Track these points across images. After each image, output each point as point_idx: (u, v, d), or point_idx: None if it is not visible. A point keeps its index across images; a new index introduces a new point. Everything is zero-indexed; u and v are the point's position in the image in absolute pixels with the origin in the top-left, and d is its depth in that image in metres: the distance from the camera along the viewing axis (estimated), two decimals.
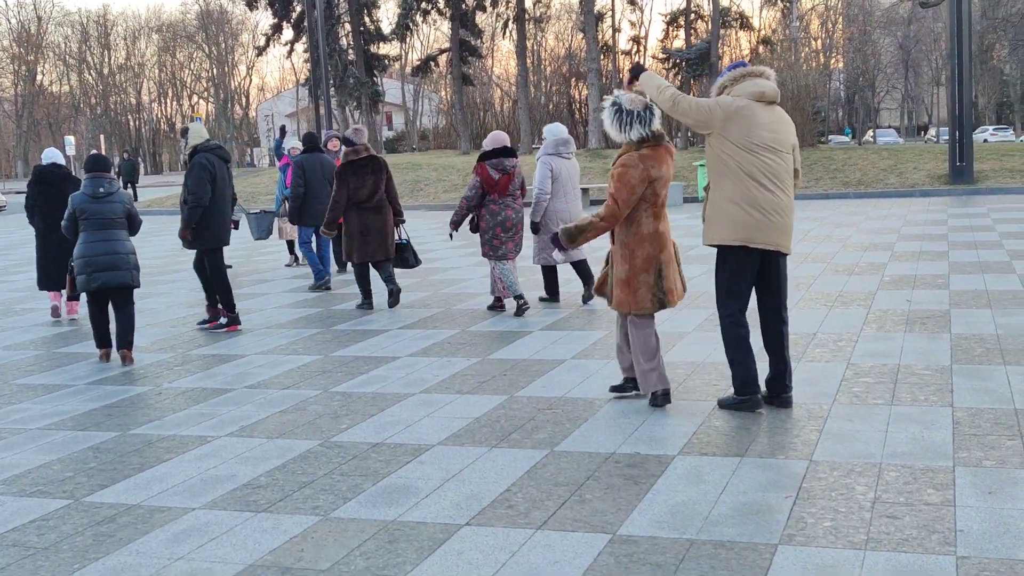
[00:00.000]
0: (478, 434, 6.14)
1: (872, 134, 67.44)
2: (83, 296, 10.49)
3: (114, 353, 9.10)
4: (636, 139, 6.36)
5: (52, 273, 11.13)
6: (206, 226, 9.85)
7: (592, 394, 6.97)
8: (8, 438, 6.57)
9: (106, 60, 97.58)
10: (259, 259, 16.68)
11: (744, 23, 36.23)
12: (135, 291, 10.91)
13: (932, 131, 73.16)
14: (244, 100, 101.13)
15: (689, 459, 5.47)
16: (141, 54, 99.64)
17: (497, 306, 10.60)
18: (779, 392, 6.42)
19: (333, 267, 14.36)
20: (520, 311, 10.21)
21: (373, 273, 13.72)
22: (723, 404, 6.47)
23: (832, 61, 73.32)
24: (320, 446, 6.06)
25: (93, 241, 8.71)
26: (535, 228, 10.40)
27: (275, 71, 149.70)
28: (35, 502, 5.31)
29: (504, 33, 39.43)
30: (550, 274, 10.95)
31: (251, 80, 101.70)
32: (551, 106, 56.71)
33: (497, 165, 10.02)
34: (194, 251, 10.34)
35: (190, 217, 9.73)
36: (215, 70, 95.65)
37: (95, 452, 6.17)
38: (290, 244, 15.61)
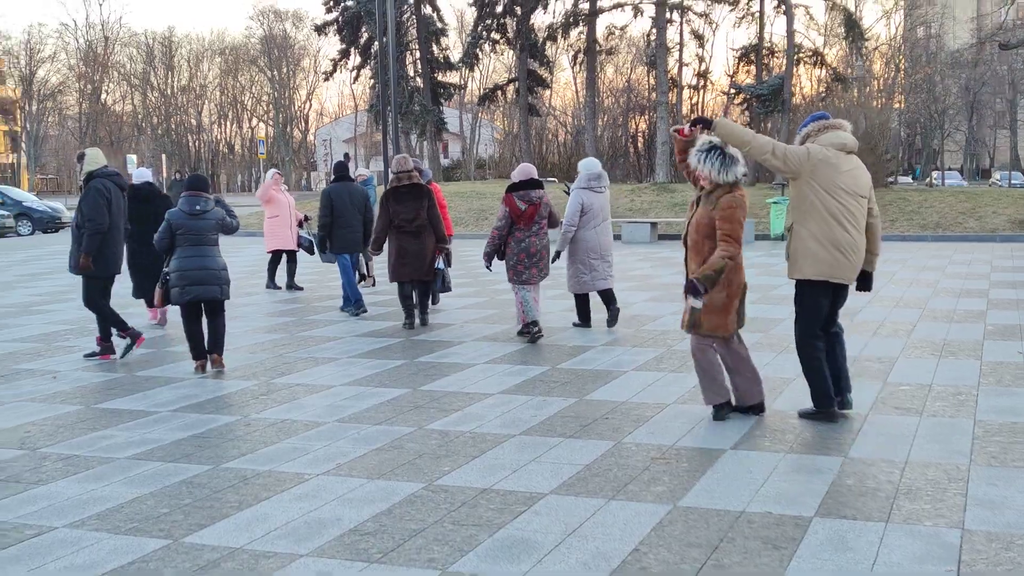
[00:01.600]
0: (591, 483, 5.78)
1: (935, 176, 66.36)
2: (167, 307, 10.73)
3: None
4: (732, 180, 6.89)
5: (147, 287, 11.55)
6: (97, 254, 9.68)
7: (705, 443, 6.59)
8: (96, 468, 6.30)
9: (169, 81, 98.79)
10: (332, 283, 16.45)
11: (819, 60, 35.70)
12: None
13: (996, 175, 71.85)
14: (303, 124, 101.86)
15: (828, 523, 5.07)
16: (204, 76, 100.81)
17: (526, 332, 10.78)
18: (839, 393, 7.18)
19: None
20: (533, 338, 10.59)
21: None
22: (803, 415, 7.20)
23: (895, 102, 72.44)
24: (425, 490, 5.73)
25: (188, 256, 9.12)
26: (555, 256, 11.09)
27: (334, 96, 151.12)
28: (132, 541, 5.02)
29: (575, 64, 39.24)
30: (583, 301, 11.43)
31: (311, 104, 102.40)
32: (607, 138, 56.47)
33: (523, 196, 10.48)
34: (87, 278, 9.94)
35: (89, 244, 9.57)
36: (275, 93, 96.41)
37: (189, 487, 5.88)
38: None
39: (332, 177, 13.08)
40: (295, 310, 13.34)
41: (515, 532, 5.03)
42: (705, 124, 6.92)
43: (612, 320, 11.28)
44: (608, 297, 11.25)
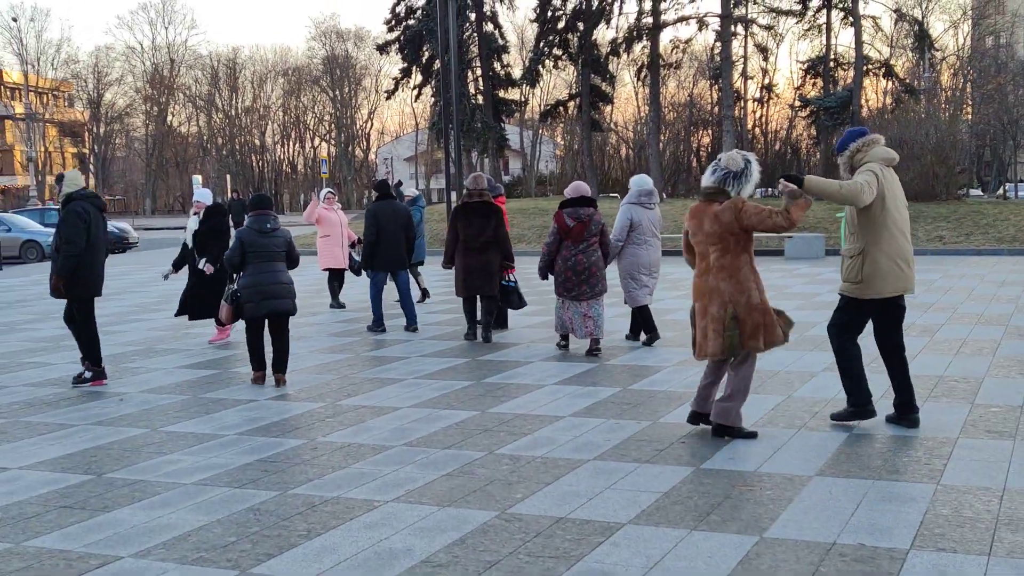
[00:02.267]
0: (671, 512, 5.53)
1: (1007, 188, 64.78)
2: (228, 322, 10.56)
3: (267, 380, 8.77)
4: (743, 195, 7.00)
5: (209, 302, 11.72)
6: (79, 276, 9.57)
7: (788, 468, 6.31)
8: (163, 493, 6.18)
9: (233, 102, 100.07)
10: (388, 304, 16.34)
11: (888, 71, 35.03)
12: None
13: None
14: (365, 143, 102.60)
15: (926, 556, 4.78)
16: (267, 96, 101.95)
17: (563, 345, 11.25)
18: (907, 413, 7.28)
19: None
20: (560, 347, 11.19)
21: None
22: (837, 417, 7.40)
23: (964, 113, 71.05)
24: (498, 518, 5.52)
25: (260, 272, 9.43)
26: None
27: (395, 115, 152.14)
28: (198, 572, 4.87)
29: (637, 79, 38.96)
30: (643, 313, 11.41)
31: (372, 123, 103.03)
32: (670, 153, 56.00)
33: (572, 213, 10.69)
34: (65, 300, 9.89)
35: (63, 267, 9.45)
36: (337, 113, 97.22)
37: (256, 514, 5.73)
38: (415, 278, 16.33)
39: (375, 196, 13.10)
40: (360, 330, 13.23)
41: (594, 565, 4.80)
42: (795, 180, 6.89)
43: (648, 341, 11.41)
44: (647, 317, 11.38)
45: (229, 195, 29.64)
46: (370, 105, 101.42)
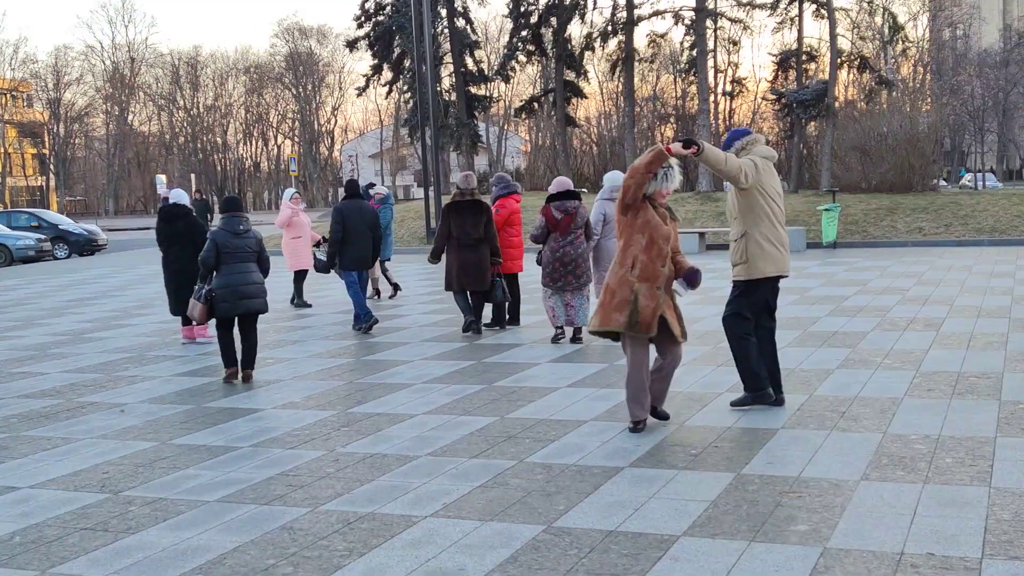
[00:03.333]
0: (724, 523, 5.34)
1: (968, 179, 65.27)
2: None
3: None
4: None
5: (184, 301, 11.70)
6: None
7: (831, 473, 6.15)
8: (187, 512, 5.92)
9: (196, 100, 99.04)
10: (385, 305, 16.08)
11: (863, 63, 35.05)
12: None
13: None
14: (329, 140, 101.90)
15: (1001, 565, 4.63)
16: (229, 95, 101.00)
17: (577, 337, 11.47)
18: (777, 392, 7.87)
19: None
20: (555, 339, 11.49)
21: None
22: (736, 404, 7.84)
23: (924, 105, 71.56)
24: (546, 533, 5.31)
25: (235, 273, 9.74)
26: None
27: (359, 112, 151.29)
28: None
29: (613, 74, 38.77)
30: None
31: (336, 121, 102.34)
32: (638, 149, 55.85)
33: (560, 207, 11.13)
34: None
35: None
36: (302, 111, 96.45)
37: (290, 533, 5.48)
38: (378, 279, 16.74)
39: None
40: (354, 333, 12.96)
41: None
42: (694, 144, 7.12)
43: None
44: None
45: (192, 195, 29.44)
46: (334, 102, 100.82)
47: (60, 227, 34.68)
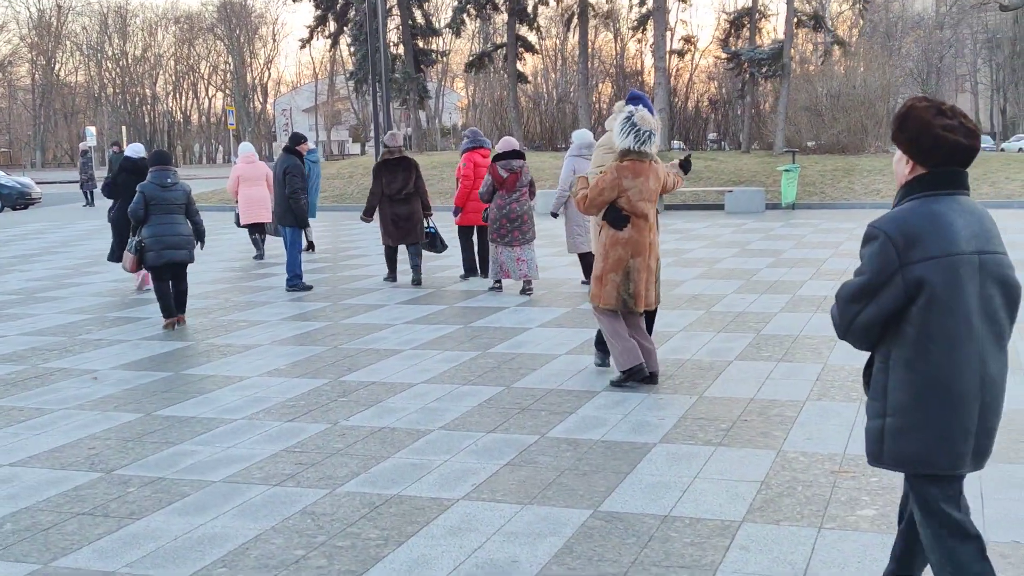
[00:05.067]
0: (784, 506, 4.99)
1: None
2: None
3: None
4: (621, 149, 7.17)
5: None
6: None
7: None
8: (192, 495, 5.42)
9: (125, 50, 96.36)
10: (349, 266, 15.53)
11: (818, 23, 34.84)
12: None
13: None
14: (262, 94, 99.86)
15: None
16: (159, 45, 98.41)
17: (496, 287, 12.15)
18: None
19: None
20: (493, 289, 12.14)
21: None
22: (616, 383, 7.38)
23: (859, 65, 71.92)
24: (594, 519, 4.92)
25: (161, 224, 10.13)
26: (554, 215, 11.77)
27: (292, 66, 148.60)
28: None
29: (568, 28, 38.12)
30: (587, 259, 11.71)
31: (269, 74, 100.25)
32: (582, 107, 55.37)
33: (506, 166, 11.46)
34: None
35: None
36: (234, 63, 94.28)
37: (314, 519, 5.02)
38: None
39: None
40: (322, 293, 12.43)
41: None
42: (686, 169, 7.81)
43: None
44: (588, 263, 11.63)
45: (110, 149, 28.64)
46: (267, 55, 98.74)
47: None
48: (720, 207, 23.98)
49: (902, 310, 3.23)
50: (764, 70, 32.10)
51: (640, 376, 7.31)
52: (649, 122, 7.15)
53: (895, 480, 5.30)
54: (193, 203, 10.48)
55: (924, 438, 3.24)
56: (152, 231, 10.11)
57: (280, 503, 5.26)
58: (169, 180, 10.22)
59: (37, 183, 36.49)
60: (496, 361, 8.43)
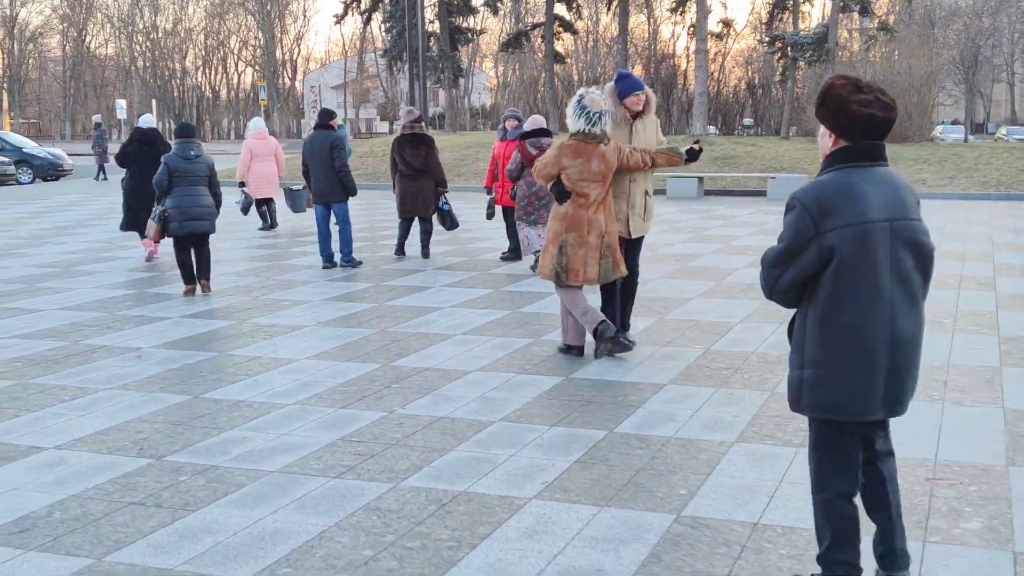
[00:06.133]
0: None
1: (939, 130, 64.90)
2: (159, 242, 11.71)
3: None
4: (572, 130, 7.48)
5: (141, 219, 12.54)
6: None
7: (973, 456, 5.48)
8: (248, 485, 5.14)
9: (155, 24, 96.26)
10: (387, 246, 15.24)
11: (864, 8, 34.18)
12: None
13: (1002, 129, 70.48)
14: (291, 71, 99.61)
15: None
16: (189, 19, 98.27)
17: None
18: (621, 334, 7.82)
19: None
20: (534, 267, 11.82)
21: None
22: (599, 354, 7.73)
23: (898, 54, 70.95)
24: (679, 524, 4.61)
25: (185, 195, 10.42)
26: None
27: (321, 42, 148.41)
28: None
29: (609, 9, 37.61)
30: None
31: (298, 51, 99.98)
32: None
33: (535, 143, 11.35)
34: None
35: None
36: (265, 39, 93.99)
37: (380, 515, 4.73)
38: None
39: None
40: (368, 273, 12.14)
41: None
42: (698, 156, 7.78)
43: None
44: None
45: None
46: (296, 31, 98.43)
47: (24, 150, 33.19)
48: (762, 193, 23.56)
49: (817, 273, 3.50)
50: (808, 55, 31.54)
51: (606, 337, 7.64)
52: (598, 103, 7.42)
53: (996, 489, 4.97)
54: (215, 175, 10.75)
55: (837, 388, 3.54)
56: (175, 202, 10.38)
57: (342, 497, 4.97)
58: (193, 152, 10.48)
59: (74, 155, 36.39)
60: (551, 349, 8.12)
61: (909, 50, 31.01)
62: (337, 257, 12.84)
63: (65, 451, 5.71)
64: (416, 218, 13.27)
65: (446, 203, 13.37)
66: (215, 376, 7.35)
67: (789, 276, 3.54)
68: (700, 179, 23.17)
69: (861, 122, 3.45)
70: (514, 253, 13.16)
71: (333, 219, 12.51)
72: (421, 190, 13.04)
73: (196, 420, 6.28)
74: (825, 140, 3.58)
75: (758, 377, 7.18)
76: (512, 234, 13.15)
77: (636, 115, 7.80)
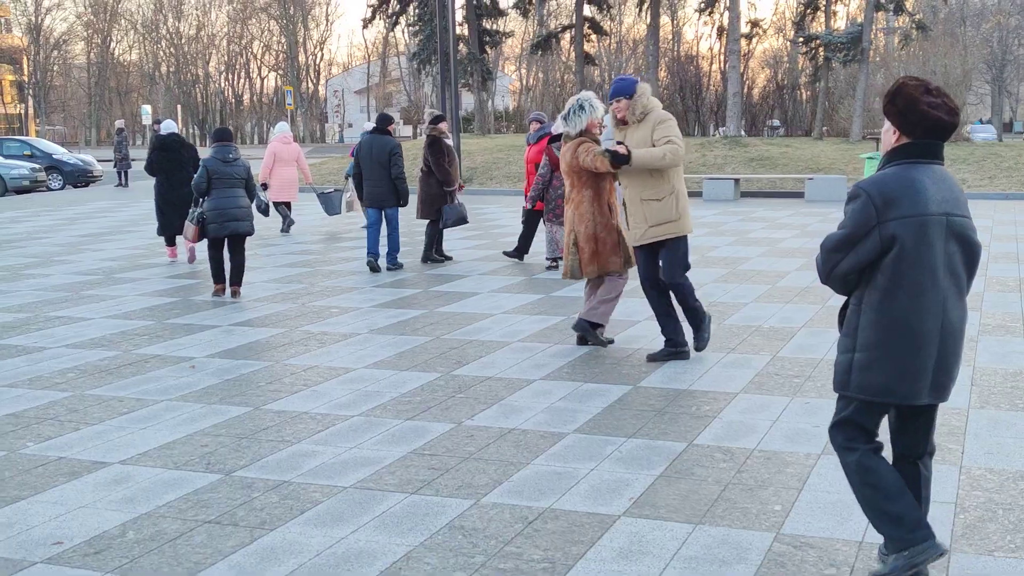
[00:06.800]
0: (990, 533, 4.46)
1: (967, 129, 64.19)
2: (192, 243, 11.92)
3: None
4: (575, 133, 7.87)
5: (173, 222, 13.01)
6: None
7: None
8: (324, 502, 4.96)
9: (179, 30, 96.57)
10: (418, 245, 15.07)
11: (899, 7, 33.75)
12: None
13: None
14: (315, 75, 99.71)
15: None
16: (212, 25, 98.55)
17: (552, 266, 12.42)
18: (676, 347, 7.80)
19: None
20: (548, 268, 12.40)
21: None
22: (653, 357, 7.72)
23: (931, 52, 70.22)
24: (780, 543, 4.41)
25: (223, 197, 10.62)
26: None
27: (343, 47, 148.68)
28: None
29: (640, 11, 37.36)
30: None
31: (322, 55, 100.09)
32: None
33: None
34: None
35: None
36: (289, 44, 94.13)
37: (464, 535, 4.54)
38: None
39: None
40: (413, 279, 11.98)
41: None
42: (623, 158, 7.22)
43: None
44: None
45: (153, 128, 28.58)
46: (319, 36, 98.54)
47: (54, 156, 33.20)
48: (799, 195, 23.27)
49: (876, 261, 3.66)
50: (842, 55, 31.19)
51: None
52: (572, 102, 7.90)
53: None
54: (252, 178, 10.95)
55: (887, 371, 3.68)
56: (214, 204, 10.59)
57: (423, 515, 4.79)
58: (231, 155, 10.69)
59: (102, 161, 36.39)
60: (613, 357, 7.92)
61: (943, 49, 30.57)
62: (382, 261, 12.87)
63: (131, 466, 5.55)
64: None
65: (450, 200, 13.02)
66: (273, 386, 7.19)
67: (849, 262, 3.68)
68: (736, 181, 22.89)
69: (928, 123, 3.61)
70: (518, 252, 13.24)
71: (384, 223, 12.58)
72: (423, 191, 13.02)
73: (261, 433, 6.11)
74: (888, 136, 3.75)
75: (813, 380, 6.96)
76: (523, 235, 13.21)
77: (624, 120, 7.54)
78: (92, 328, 9.34)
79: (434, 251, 13.25)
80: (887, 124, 3.77)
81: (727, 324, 9.10)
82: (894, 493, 3.75)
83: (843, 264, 3.70)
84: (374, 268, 12.55)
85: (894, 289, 3.63)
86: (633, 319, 9.40)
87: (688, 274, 7.85)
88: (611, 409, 6.49)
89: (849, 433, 3.85)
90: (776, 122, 51.37)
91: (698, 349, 7.81)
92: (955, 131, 3.72)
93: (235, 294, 10.77)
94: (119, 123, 32.92)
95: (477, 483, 5.19)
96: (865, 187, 3.64)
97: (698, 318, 7.74)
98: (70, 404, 6.80)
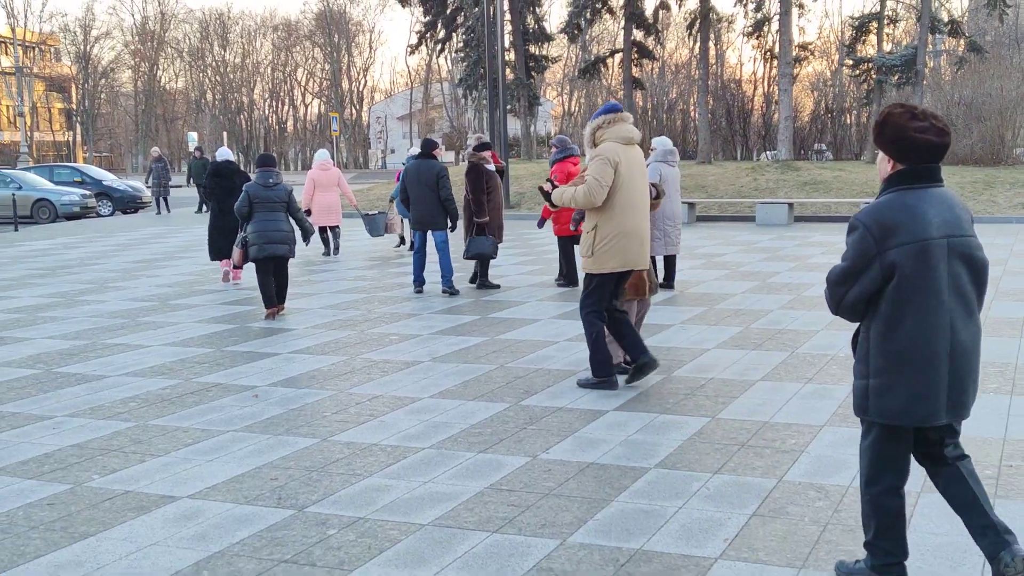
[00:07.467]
0: None
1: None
2: (242, 267, 12.80)
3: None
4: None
5: (224, 247, 13.51)
6: None
7: None
8: (403, 540, 4.75)
9: (225, 58, 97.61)
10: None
11: (955, 29, 33.30)
12: None
13: None
14: (358, 101, 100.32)
15: None
16: (257, 53, 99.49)
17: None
18: (637, 360, 7.60)
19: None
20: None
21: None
22: (582, 384, 7.62)
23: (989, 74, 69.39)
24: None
25: (264, 220, 10.95)
26: None
27: (386, 73, 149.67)
28: None
29: (690, 33, 37.16)
30: (670, 262, 12.59)
31: (365, 81, 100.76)
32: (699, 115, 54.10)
33: None
34: None
35: None
36: (334, 71, 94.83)
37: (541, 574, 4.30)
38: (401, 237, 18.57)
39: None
40: (470, 306, 11.78)
41: None
42: (546, 196, 7.73)
43: (669, 285, 12.59)
44: (671, 264, 12.61)
45: (192, 154, 29.07)
46: (363, 63, 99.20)
47: (104, 183, 33.47)
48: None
49: (880, 289, 3.72)
50: (896, 78, 30.75)
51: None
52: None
53: None
54: (295, 202, 11.25)
55: (901, 395, 3.74)
56: (256, 227, 10.90)
57: (508, 555, 4.56)
58: (272, 180, 11.02)
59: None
60: (687, 387, 7.67)
61: (999, 71, 30.10)
62: (430, 285, 13.13)
63: (200, 500, 5.37)
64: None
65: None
66: (339, 416, 7.00)
67: (855, 293, 3.76)
68: (790, 205, 22.55)
69: (919, 148, 3.67)
70: (567, 279, 13.17)
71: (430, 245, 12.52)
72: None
73: (331, 466, 5.91)
74: (884, 165, 3.81)
75: None
76: (564, 259, 13.20)
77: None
78: (151, 356, 9.21)
79: (484, 277, 13.15)
80: (880, 154, 3.84)
81: (800, 352, 8.82)
82: (890, 530, 3.94)
83: (849, 296, 3.78)
84: (418, 291, 12.74)
85: (899, 315, 3.70)
86: (703, 347, 9.14)
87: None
88: (691, 442, 6.24)
89: (875, 464, 3.93)
90: (824, 146, 50.90)
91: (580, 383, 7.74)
92: (947, 151, 3.73)
93: (279, 311, 11.09)
94: (155, 151, 33.08)
95: (560, 521, 4.96)
96: (862, 219, 3.70)
97: (591, 350, 7.60)
98: (134, 435, 6.65)
